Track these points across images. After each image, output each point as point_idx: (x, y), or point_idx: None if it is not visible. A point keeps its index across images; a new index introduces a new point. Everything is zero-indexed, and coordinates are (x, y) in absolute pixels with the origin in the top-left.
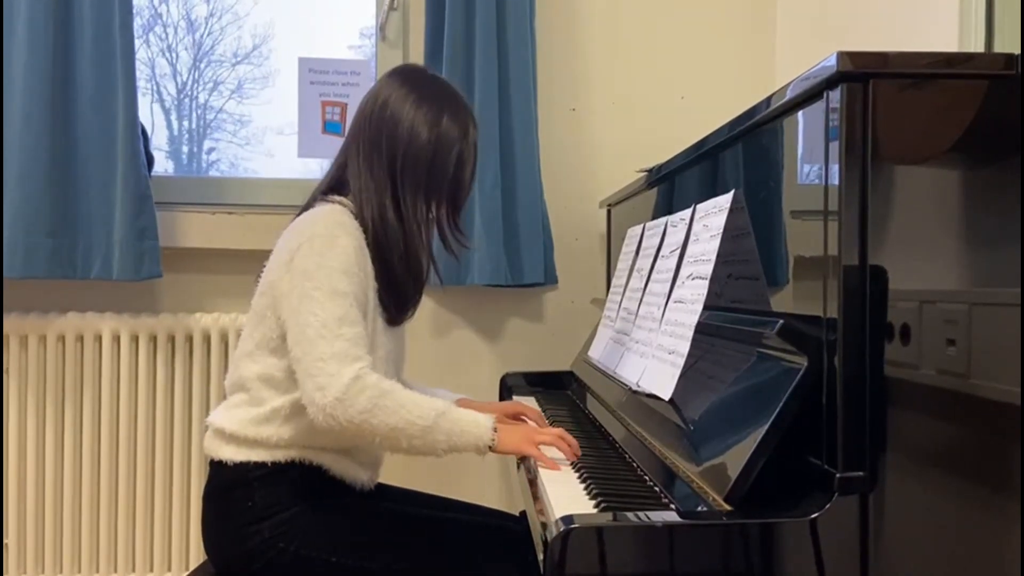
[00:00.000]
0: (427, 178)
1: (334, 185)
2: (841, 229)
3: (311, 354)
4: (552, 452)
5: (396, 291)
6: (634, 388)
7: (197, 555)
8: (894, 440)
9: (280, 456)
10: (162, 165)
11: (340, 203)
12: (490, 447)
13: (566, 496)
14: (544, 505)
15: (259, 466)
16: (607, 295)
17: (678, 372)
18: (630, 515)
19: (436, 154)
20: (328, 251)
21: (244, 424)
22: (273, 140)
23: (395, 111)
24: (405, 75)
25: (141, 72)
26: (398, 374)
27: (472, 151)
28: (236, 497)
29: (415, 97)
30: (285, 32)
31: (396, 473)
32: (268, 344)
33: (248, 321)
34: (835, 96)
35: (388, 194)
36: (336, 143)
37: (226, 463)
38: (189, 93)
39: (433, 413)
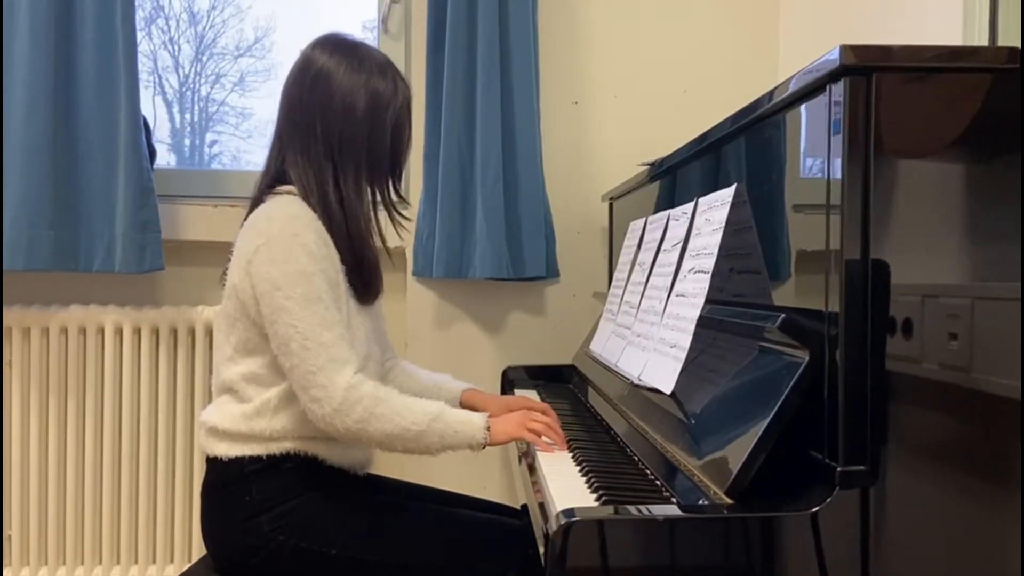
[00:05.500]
0: (367, 155)
1: (277, 176)
2: (843, 223)
3: (300, 368)
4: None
5: (358, 272)
6: (635, 382)
7: (199, 547)
8: (895, 434)
9: (275, 449)
10: (164, 158)
11: (289, 192)
12: (484, 444)
13: (567, 489)
14: (545, 498)
15: (255, 460)
16: (609, 289)
17: (679, 366)
18: (631, 508)
19: (373, 127)
20: (290, 255)
21: (236, 420)
22: None
23: (326, 85)
24: (334, 45)
25: (143, 65)
26: (382, 351)
27: (406, 112)
28: (233, 492)
29: (345, 67)
30: (287, 25)
31: (396, 467)
32: (246, 346)
33: (219, 324)
34: (838, 89)
35: (330, 179)
36: None
37: (221, 459)
38: (191, 86)
39: (427, 418)
